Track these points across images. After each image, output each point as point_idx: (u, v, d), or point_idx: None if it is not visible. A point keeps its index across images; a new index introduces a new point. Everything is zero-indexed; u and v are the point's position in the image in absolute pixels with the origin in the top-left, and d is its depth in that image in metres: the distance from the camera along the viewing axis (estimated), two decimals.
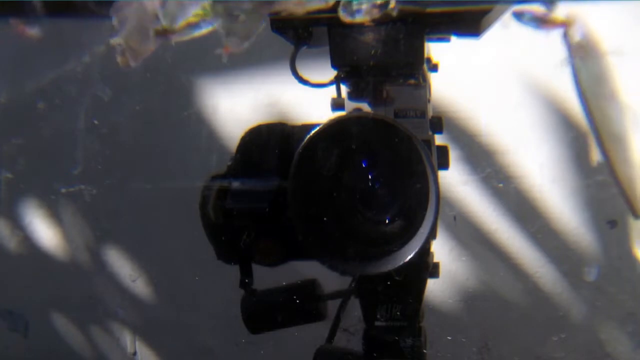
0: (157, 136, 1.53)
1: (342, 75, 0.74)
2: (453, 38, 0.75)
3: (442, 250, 1.38)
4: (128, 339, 1.66)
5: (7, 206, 1.63)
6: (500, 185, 1.38)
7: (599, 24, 0.61)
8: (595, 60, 0.56)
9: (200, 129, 1.52)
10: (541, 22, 0.59)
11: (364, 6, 0.57)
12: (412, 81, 0.73)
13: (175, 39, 0.60)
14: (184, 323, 1.60)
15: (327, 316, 0.84)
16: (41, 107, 1.38)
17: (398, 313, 0.76)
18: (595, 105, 0.58)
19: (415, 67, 0.73)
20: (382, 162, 0.71)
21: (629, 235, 0.62)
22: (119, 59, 0.60)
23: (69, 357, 1.70)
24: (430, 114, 0.75)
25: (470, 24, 0.69)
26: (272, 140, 0.76)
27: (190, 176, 1.35)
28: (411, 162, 0.67)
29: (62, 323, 1.69)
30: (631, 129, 0.59)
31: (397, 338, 0.76)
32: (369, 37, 0.70)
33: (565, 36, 0.57)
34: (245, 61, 1.43)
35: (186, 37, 0.60)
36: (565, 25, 0.58)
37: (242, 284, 0.80)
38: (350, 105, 0.75)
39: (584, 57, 0.56)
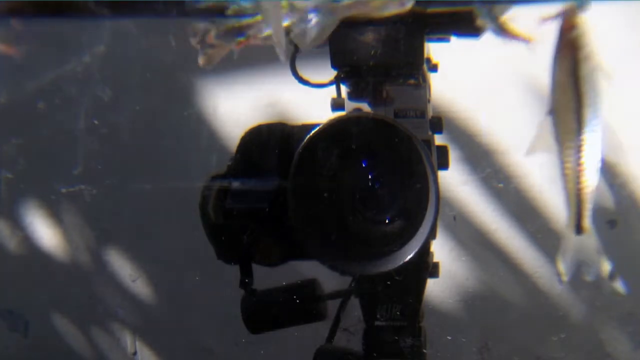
0: (157, 136, 1.53)
1: (342, 75, 0.74)
2: (453, 38, 0.75)
3: (442, 250, 1.38)
4: (128, 339, 1.66)
5: (7, 206, 1.62)
6: (500, 185, 1.38)
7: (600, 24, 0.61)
8: (586, 62, 0.55)
9: (200, 129, 1.52)
10: (501, 29, 0.58)
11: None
12: (412, 81, 0.73)
13: (252, 35, 0.59)
14: (184, 323, 1.60)
15: (327, 316, 0.84)
16: (41, 107, 1.38)
17: (398, 313, 0.76)
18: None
19: (415, 67, 0.73)
20: (382, 162, 0.71)
21: (564, 249, 0.60)
22: (201, 60, 0.60)
23: (69, 357, 1.70)
24: (430, 114, 0.75)
25: (470, 24, 0.69)
26: (272, 140, 0.76)
27: (190, 176, 1.35)
28: (411, 162, 0.68)
29: (62, 323, 1.69)
30: (600, 139, 0.58)
31: (397, 338, 0.76)
32: (369, 37, 0.70)
33: (559, 31, 0.56)
34: (245, 61, 1.43)
35: (263, 33, 0.59)
36: (528, 40, 0.58)
37: (242, 284, 0.80)
38: (350, 105, 0.75)
39: (575, 56, 0.55)
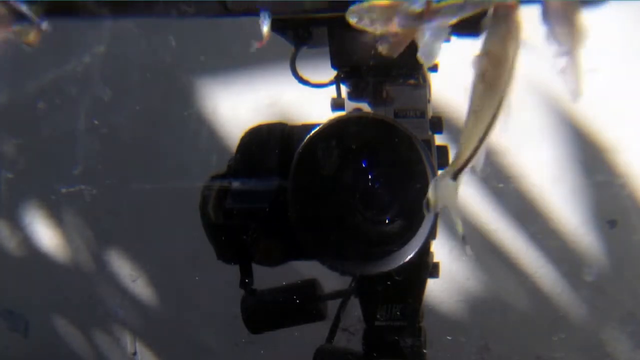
0: (157, 136, 1.53)
1: (342, 75, 0.74)
2: (453, 38, 0.75)
3: (442, 250, 1.37)
4: (128, 339, 1.66)
5: (7, 206, 1.63)
6: (500, 185, 1.38)
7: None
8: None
9: (200, 129, 1.52)
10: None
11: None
12: (412, 81, 0.73)
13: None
14: (184, 323, 1.60)
15: (327, 316, 0.84)
16: (41, 107, 1.38)
17: (398, 313, 0.76)
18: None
19: (415, 67, 0.73)
20: (382, 162, 0.71)
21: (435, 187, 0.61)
22: (383, 49, 0.59)
23: (69, 357, 1.70)
24: (430, 114, 0.75)
25: (470, 24, 0.69)
26: (272, 140, 0.76)
27: (190, 176, 1.35)
28: (411, 162, 0.68)
29: (62, 323, 1.69)
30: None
31: (397, 338, 0.76)
32: (369, 37, 0.70)
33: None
34: (245, 61, 1.43)
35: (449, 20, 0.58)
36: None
37: (242, 284, 0.80)
38: (350, 105, 0.75)
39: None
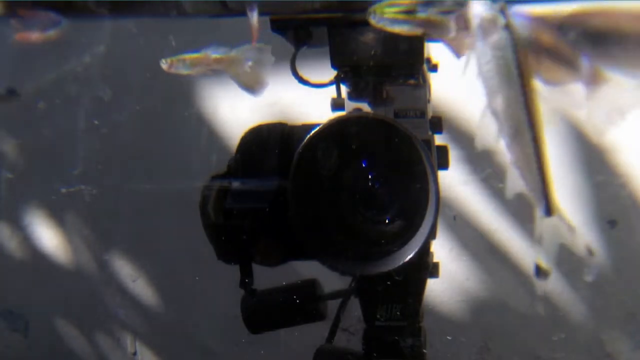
0: (157, 136, 1.53)
1: (342, 75, 0.74)
2: None
3: (442, 250, 1.38)
4: (128, 339, 1.66)
5: (7, 206, 1.63)
6: (501, 185, 1.38)
7: None
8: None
9: (200, 129, 1.52)
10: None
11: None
12: (412, 81, 0.73)
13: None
14: (184, 323, 1.60)
15: (327, 316, 0.84)
16: (41, 107, 1.38)
17: (398, 313, 0.76)
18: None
19: (415, 67, 0.73)
20: (382, 162, 0.71)
21: (539, 237, 0.59)
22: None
23: (69, 357, 1.70)
24: (430, 114, 0.75)
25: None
26: (272, 140, 0.76)
27: (190, 176, 1.35)
28: (411, 162, 0.68)
29: (62, 323, 1.69)
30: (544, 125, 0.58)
31: (397, 338, 0.76)
32: (369, 37, 0.70)
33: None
34: None
35: None
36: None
37: (242, 284, 0.80)
38: (350, 105, 0.75)
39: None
